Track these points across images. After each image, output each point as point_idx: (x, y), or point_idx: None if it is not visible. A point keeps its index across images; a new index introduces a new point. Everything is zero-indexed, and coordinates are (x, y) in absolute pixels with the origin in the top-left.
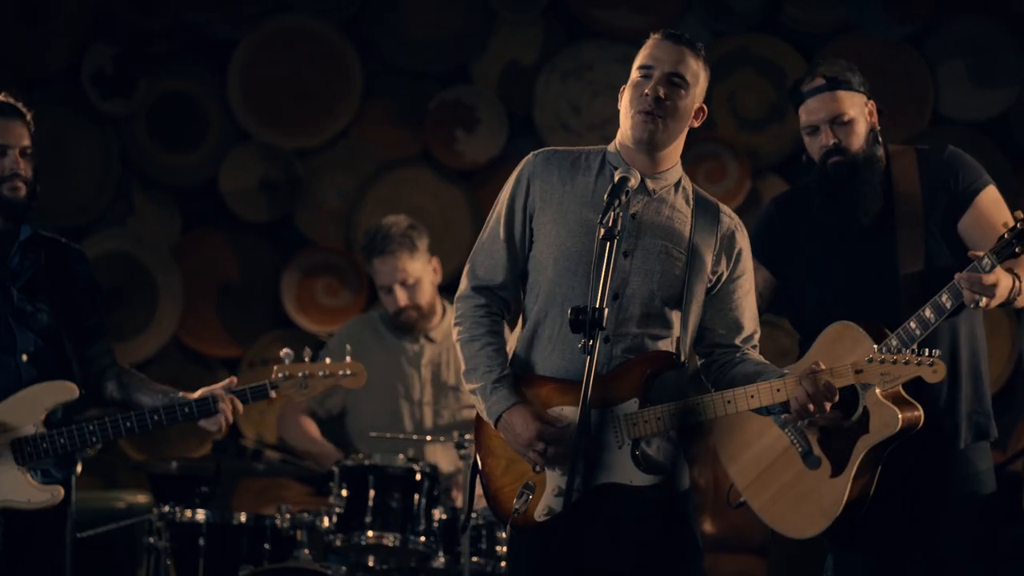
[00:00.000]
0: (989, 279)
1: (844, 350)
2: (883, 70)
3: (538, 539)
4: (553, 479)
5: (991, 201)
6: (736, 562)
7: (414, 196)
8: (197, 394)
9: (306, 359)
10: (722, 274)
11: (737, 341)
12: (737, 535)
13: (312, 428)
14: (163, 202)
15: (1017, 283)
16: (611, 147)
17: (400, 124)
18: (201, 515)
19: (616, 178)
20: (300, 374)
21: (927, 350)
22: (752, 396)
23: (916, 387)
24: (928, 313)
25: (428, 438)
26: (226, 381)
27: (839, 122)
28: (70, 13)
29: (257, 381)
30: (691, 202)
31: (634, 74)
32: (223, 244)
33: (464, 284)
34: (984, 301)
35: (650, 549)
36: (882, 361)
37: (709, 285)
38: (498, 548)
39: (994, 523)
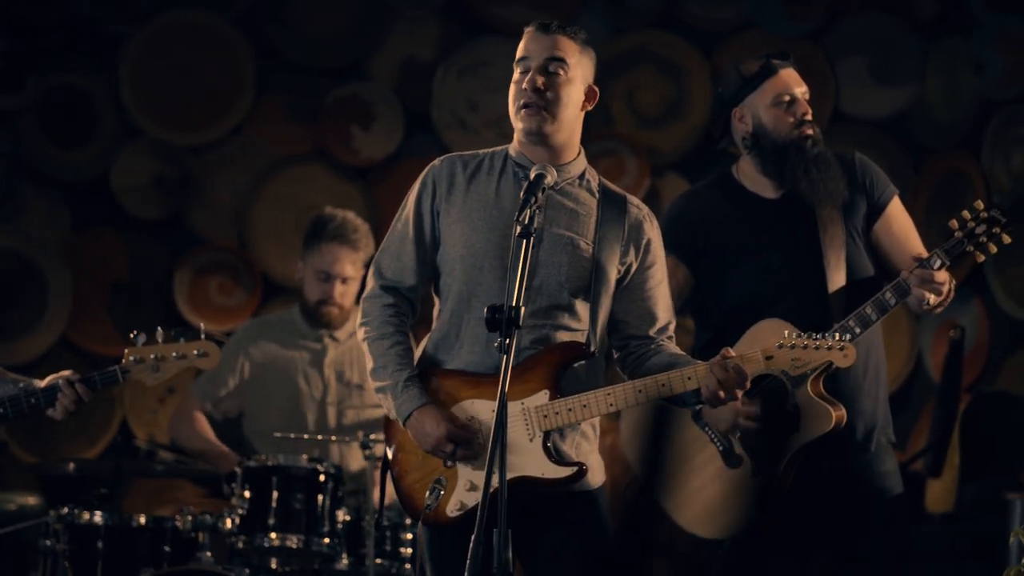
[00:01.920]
0: (941, 276)
1: None
2: None
3: (451, 535)
4: (465, 474)
5: (900, 210)
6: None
7: (309, 194)
8: (45, 382)
9: (159, 340)
10: (631, 265)
11: (651, 332)
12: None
13: (207, 428)
14: (53, 199)
15: (952, 285)
16: (512, 147)
17: (295, 120)
18: (99, 517)
19: (532, 175)
20: (152, 356)
21: (836, 335)
22: (663, 384)
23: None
24: (869, 310)
25: (333, 438)
26: (68, 372)
27: (807, 99)
28: None
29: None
30: (597, 194)
31: (514, 72)
32: (114, 242)
33: (371, 284)
34: (932, 299)
35: (563, 545)
36: (792, 346)
37: (619, 276)
38: (402, 550)
39: (902, 523)
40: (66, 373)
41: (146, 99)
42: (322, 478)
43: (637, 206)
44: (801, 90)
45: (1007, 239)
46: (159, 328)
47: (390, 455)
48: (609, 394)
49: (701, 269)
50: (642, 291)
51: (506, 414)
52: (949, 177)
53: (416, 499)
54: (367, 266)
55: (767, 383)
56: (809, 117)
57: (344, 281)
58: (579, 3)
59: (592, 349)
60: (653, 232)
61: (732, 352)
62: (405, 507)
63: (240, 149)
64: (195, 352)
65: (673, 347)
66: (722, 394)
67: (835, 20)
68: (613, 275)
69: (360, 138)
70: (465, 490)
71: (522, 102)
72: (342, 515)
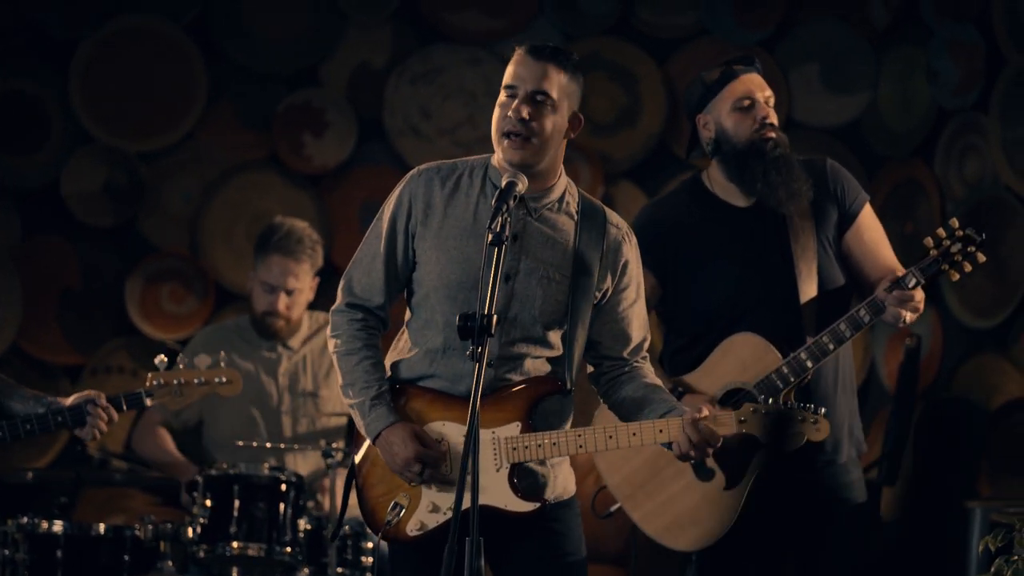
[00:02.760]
0: (918, 295)
1: (750, 359)
2: None
3: (411, 553)
4: (428, 494)
5: (871, 218)
6: (592, 571)
7: (261, 201)
8: (70, 400)
9: (180, 366)
10: (608, 289)
11: (625, 353)
12: (594, 544)
13: (168, 442)
14: (2, 206)
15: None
16: (494, 160)
17: (247, 127)
18: (59, 526)
19: (503, 183)
20: (175, 382)
21: (811, 406)
22: (634, 434)
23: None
24: (843, 327)
25: (296, 446)
26: (93, 392)
27: (769, 103)
28: None
29: (132, 389)
30: (576, 214)
31: (501, 94)
32: (65, 249)
33: (340, 298)
34: (909, 317)
35: (536, 555)
36: (766, 413)
37: (596, 300)
38: (363, 559)
39: (863, 532)
40: (90, 393)
41: (97, 105)
42: (284, 487)
43: (616, 225)
44: (764, 94)
45: (982, 258)
46: (179, 353)
47: (357, 466)
48: (580, 435)
49: (671, 277)
50: (616, 312)
51: (477, 418)
52: (903, 185)
53: (379, 513)
54: (319, 275)
55: (739, 397)
56: (771, 120)
57: (289, 293)
58: (533, 9)
59: (568, 385)
60: (631, 253)
61: (706, 411)
62: (367, 519)
63: (192, 156)
64: (217, 379)
65: (647, 372)
66: (693, 453)
67: (788, 28)
68: (590, 303)
69: (312, 145)
70: (427, 511)
71: (506, 130)
72: (303, 524)
